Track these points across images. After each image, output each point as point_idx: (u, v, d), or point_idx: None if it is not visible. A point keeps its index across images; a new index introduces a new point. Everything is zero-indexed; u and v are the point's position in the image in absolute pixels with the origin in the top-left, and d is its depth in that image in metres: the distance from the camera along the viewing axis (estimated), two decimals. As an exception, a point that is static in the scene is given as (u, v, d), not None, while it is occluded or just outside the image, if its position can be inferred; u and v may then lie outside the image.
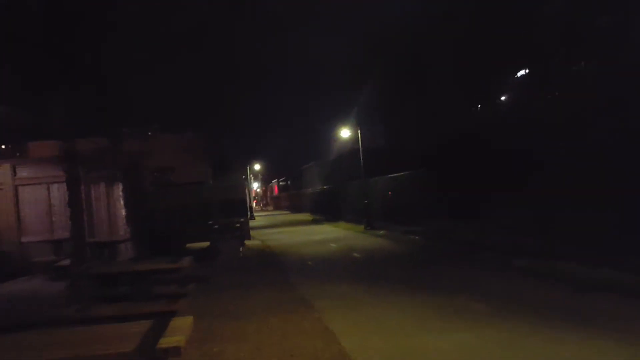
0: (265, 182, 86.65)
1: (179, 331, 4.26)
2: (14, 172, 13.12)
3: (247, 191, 32.83)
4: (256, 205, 76.32)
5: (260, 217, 41.88)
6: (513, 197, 12.45)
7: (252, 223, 31.41)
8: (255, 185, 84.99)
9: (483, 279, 8.95)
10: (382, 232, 19.03)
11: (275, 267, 12.33)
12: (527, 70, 16.84)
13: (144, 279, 8.69)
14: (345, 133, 23.06)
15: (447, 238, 14.36)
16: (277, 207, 64.79)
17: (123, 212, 12.64)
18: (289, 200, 55.42)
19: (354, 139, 24.05)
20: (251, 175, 62.40)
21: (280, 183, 73.28)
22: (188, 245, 16.27)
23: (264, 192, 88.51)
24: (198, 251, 15.62)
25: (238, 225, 15.92)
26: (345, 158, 35.00)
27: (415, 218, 18.07)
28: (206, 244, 15.50)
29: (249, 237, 18.59)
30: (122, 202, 12.59)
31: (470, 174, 14.95)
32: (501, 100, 18.34)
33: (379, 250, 14.26)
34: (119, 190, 12.73)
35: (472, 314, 6.75)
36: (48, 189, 13.23)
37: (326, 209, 32.17)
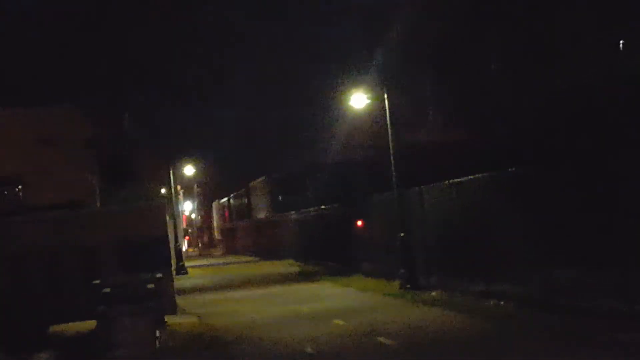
0: (207, 200, 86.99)
1: None
2: None
3: (169, 220, 32.80)
4: (189, 246, 76.59)
5: (198, 270, 41.99)
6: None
7: (181, 282, 31.30)
8: (189, 208, 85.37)
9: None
10: (434, 293, 19.10)
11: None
12: None
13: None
14: (358, 100, 22.99)
15: (563, 304, 14.39)
16: (231, 250, 65.15)
17: None
18: (253, 235, 55.69)
19: (370, 125, 23.95)
20: (179, 189, 62.42)
21: (222, 202, 74.34)
22: (52, 328, 16.14)
23: (205, 220, 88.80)
24: (72, 341, 15.47)
25: (151, 286, 15.86)
26: (355, 157, 35.29)
27: (499, 263, 18.00)
28: (89, 324, 15.46)
29: (174, 310, 18.56)
30: None
31: (608, 177, 14.98)
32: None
33: (431, 332, 14.33)
34: None
35: None
36: None
37: (327, 252, 32.47)
